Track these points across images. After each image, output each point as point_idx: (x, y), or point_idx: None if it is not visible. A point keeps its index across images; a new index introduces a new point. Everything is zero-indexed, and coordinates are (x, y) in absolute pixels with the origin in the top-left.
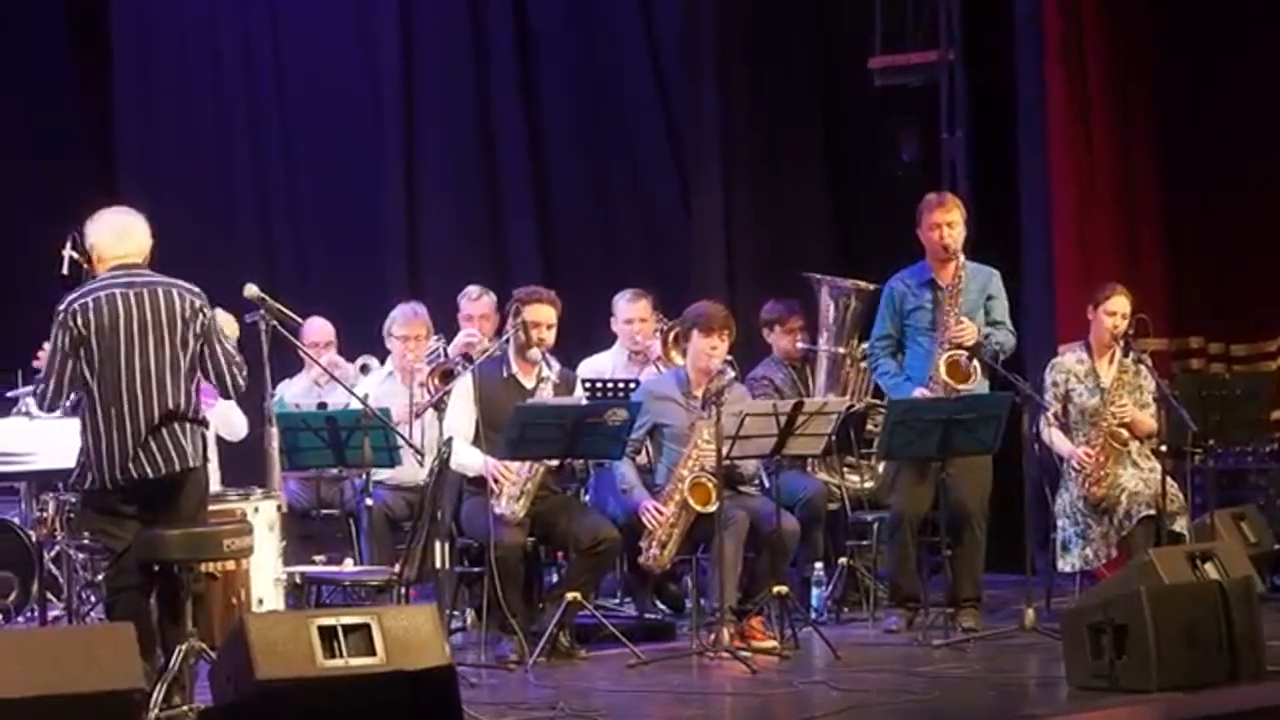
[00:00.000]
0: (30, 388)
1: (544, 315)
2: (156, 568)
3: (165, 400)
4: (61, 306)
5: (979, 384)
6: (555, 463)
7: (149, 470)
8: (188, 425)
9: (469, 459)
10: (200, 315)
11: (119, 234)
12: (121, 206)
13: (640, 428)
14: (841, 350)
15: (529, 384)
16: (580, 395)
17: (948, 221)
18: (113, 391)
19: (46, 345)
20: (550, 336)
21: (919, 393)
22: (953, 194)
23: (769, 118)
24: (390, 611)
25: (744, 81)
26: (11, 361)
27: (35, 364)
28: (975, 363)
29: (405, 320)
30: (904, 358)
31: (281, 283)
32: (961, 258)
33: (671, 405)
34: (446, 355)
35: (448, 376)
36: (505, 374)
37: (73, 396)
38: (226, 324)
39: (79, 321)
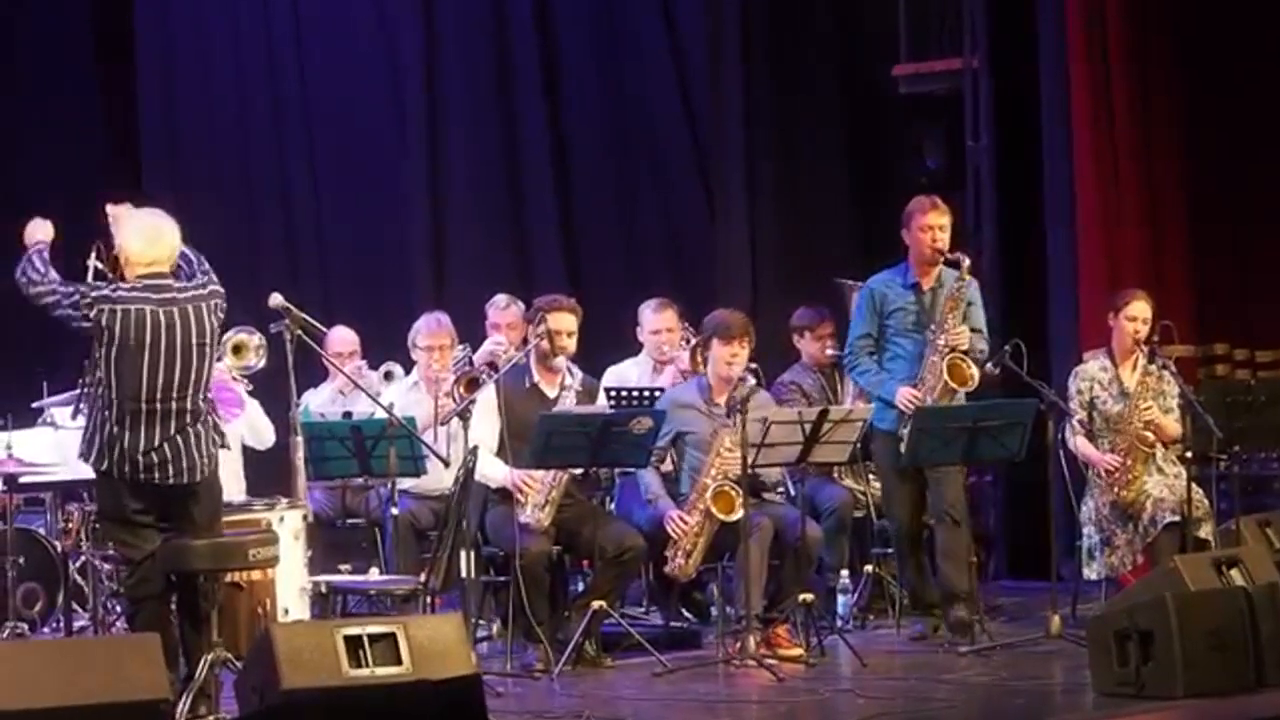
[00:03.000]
0: (55, 397)
1: (566, 323)
2: (174, 577)
3: (184, 414)
4: (93, 293)
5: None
6: (580, 471)
7: (156, 476)
8: (203, 433)
9: (492, 470)
10: (220, 321)
11: (149, 239)
12: (152, 208)
13: (664, 436)
14: None
15: (552, 393)
16: (603, 403)
17: (940, 224)
18: (132, 399)
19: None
20: (571, 344)
21: (906, 392)
22: (946, 200)
23: (794, 126)
24: (416, 620)
25: (768, 89)
26: (36, 371)
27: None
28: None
29: (429, 331)
30: (883, 360)
31: (306, 291)
32: (967, 263)
33: (693, 413)
34: (472, 364)
35: (473, 385)
36: (528, 384)
37: (86, 405)
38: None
39: (105, 321)
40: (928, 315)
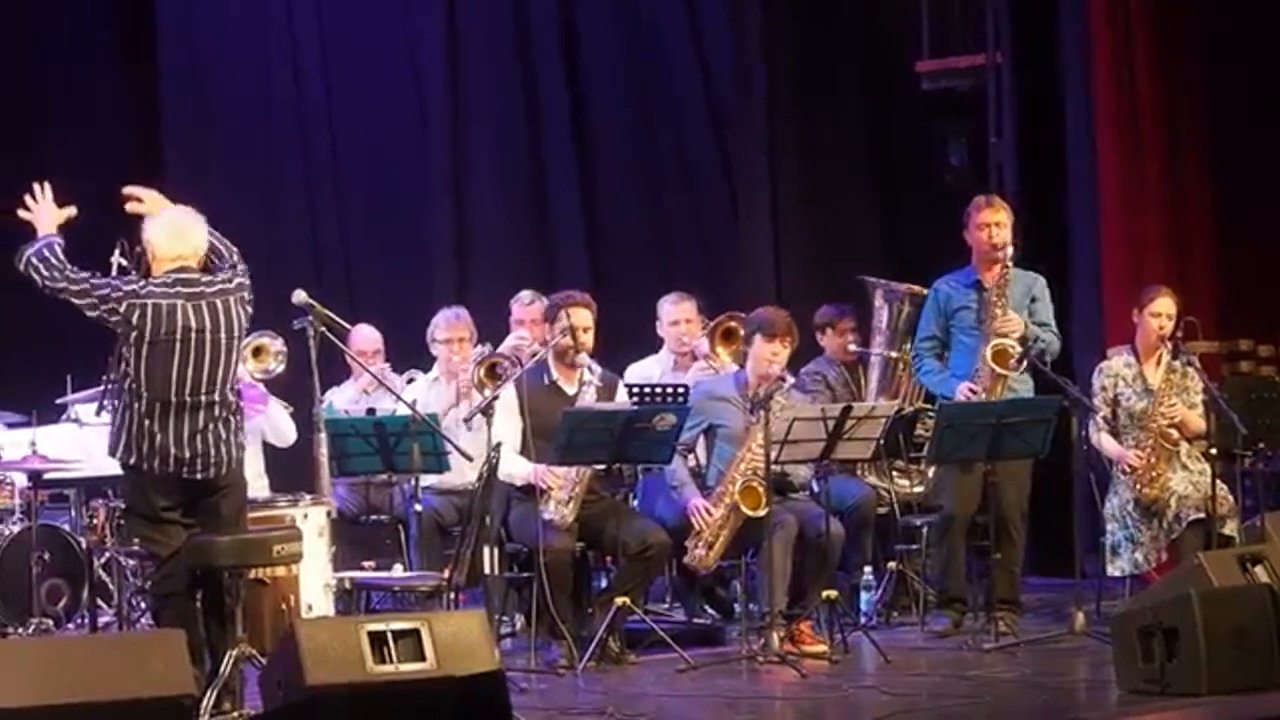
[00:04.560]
0: (79, 394)
1: (584, 319)
2: (199, 573)
3: (213, 406)
4: (125, 288)
5: (1024, 381)
6: (603, 467)
7: (185, 471)
8: (232, 425)
9: (516, 468)
10: (247, 316)
11: (175, 234)
12: (182, 206)
13: (693, 428)
14: (894, 354)
15: (571, 390)
16: (623, 397)
17: (996, 221)
18: (161, 394)
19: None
20: (589, 339)
21: (963, 387)
22: (999, 197)
23: (817, 122)
24: (440, 617)
25: (791, 86)
26: (60, 367)
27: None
28: (1024, 356)
29: (448, 324)
30: (949, 358)
31: (330, 292)
32: (1009, 261)
33: (728, 407)
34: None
35: (494, 372)
36: (547, 381)
37: (112, 401)
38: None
39: (134, 316)
40: (990, 307)
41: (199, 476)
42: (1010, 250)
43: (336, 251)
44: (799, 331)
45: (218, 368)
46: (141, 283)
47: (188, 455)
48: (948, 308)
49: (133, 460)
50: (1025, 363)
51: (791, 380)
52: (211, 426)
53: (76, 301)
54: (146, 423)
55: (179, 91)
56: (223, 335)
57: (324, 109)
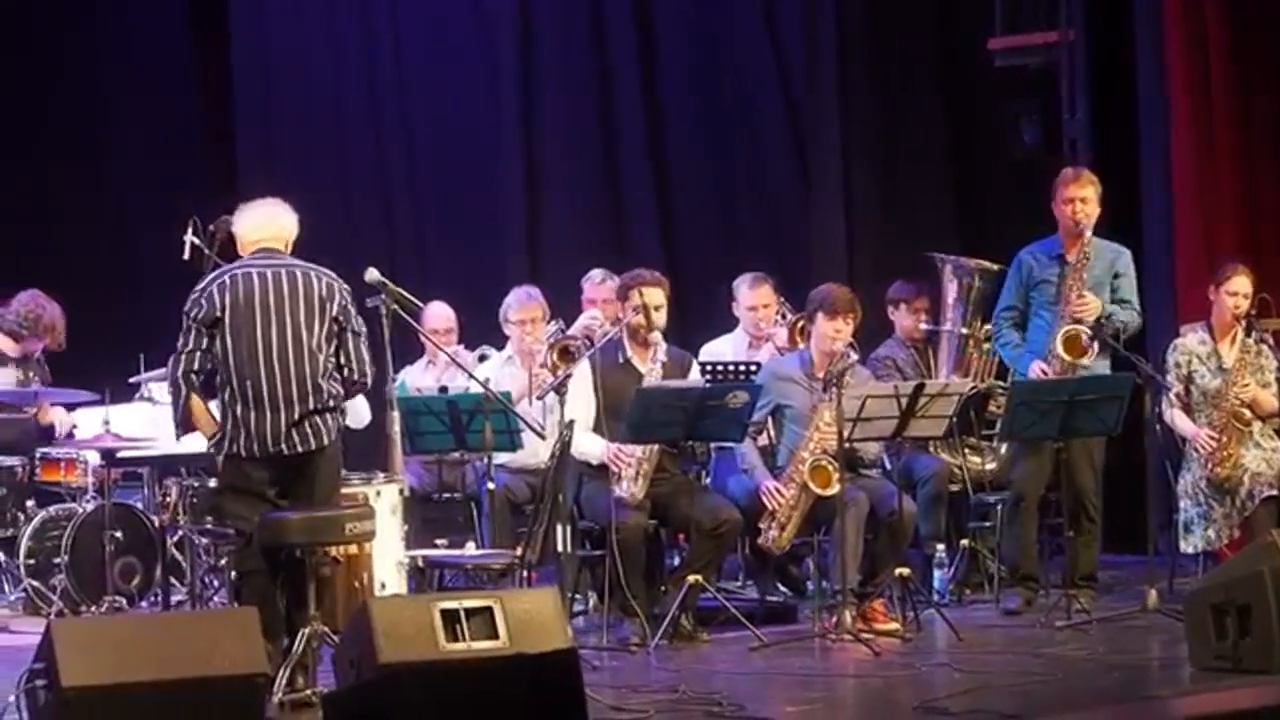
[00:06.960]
0: (152, 372)
1: (656, 297)
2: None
3: (303, 376)
4: (199, 286)
5: (1098, 362)
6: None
7: (284, 447)
8: (323, 402)
9: (589, 446)
10: (337, 296)
11: (260, 221)
12: (273, 199)
13: (762, 409)
14: (965, 331)
15: (644, 368)
16: (695, 375)
17: (1081, 197)
18: (248, 366)
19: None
20: (661, 317)
21: (1036, 366)
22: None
23: (889, 101)
24: (512, 595)
25: (864, 63)
26: (133, 346)
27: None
28: (1094, 340)
29: (521, 304)
30: (1028, 331)
31: (402, 274)
32: (1089, 234)
33: (794, 386)
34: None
35: (566, 353)
36: (621, 359)
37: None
38: None
39: (215, 299)
40: (1066, 286)
41: (299, 451)
42: (1089, 233)
43: (409, 238)
44: (870, 311)
45: (301, 332)
46: (215, 270)
47: (281, 433)
48: (1030, 279)
49: (233, 450)
50: (1095, 349)
51: (856, 356)
52: (303, 403)
53: (188, 344)
54: (240, 411)
55: (253, 76)
56: (301, 300)
57: (396, 94)
